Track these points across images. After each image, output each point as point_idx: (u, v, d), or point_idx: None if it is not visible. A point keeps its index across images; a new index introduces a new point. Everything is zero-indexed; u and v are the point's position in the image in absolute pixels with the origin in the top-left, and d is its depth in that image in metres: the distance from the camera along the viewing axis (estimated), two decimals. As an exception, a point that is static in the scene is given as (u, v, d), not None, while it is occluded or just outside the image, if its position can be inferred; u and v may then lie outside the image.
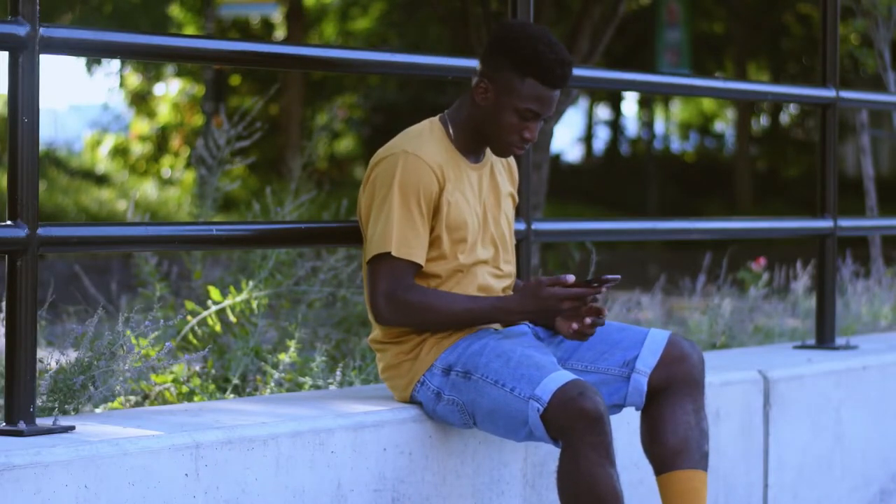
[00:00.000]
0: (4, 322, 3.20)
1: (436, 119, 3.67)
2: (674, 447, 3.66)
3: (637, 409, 3.73)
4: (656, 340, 3.70)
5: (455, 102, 3.69)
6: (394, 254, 3.49)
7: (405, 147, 3.56)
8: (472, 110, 3.62)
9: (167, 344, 3.72)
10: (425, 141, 3.58)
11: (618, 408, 3.71)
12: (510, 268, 3.76)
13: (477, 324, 3.57)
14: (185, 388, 4.36)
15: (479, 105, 3.59)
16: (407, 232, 3.50)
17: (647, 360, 3.67)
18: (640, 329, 3.74)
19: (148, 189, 19.51)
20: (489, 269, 3.67)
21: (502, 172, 3.78)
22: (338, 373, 4.36)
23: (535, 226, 4.31)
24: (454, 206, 3.57)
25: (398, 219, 3.50)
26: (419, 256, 3.52)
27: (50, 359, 3.59)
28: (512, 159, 3.86)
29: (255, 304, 4.80)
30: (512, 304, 3.56)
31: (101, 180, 20.12)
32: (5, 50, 3.16)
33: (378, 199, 3.53)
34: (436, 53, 4.03)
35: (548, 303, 3.51)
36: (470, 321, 3.56)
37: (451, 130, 3.63)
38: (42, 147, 16.11)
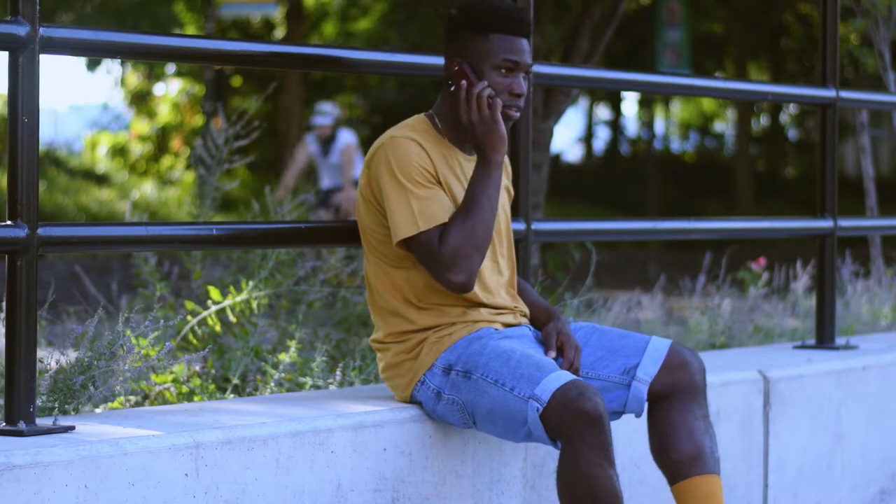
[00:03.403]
0: (4, 322, 3.20)
1: (421, 115, 3.69)
2: (689, 453, 3.66)
3: (637, 417, 3.73)
4: (658, 349, 3.69)
5: (437, 98, 3.70)
6: (422, 228, 3.50)
7: (391, 134, 3.60)
8: (453, 94, 3.62)
9: (167, 344, 3.72)
10: (409, 129, 3.63)
11: (617, 415, 3.71)
12: (507, 262, 3.75)
13: (489, 193, 3.52)
14: (185, 388, 4.36)
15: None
16: (423, 202, 3.51)
17: (648, 369, 3.67)
18: (641, 336, 3.74)
19: (148, 189, 19.51)
20: (487, 264, 3.67)
21: None
22: (338, 373, 4.36)
23: (535, 226, 4.31)
24: (450, 194, 3.58)
25: (411, 195, 3.51)
26: (444, 216, 3.52)
27: (50, 359, 3.59)
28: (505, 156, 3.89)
29: (255, 304, 4.80)
30: (480, 161, 3.54)
31: (101, 180, 20.12)
32: (5, 50, 3.16)
33: (386, 188, 3.55)
34: (436, 53, 4.02)
35: (481, 116, 3.53)
36: (485, 201, 3.51)
37: (438, 124, 3.65)
38: (42, 147, 16.13)
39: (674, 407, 3.68)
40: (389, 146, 3.56)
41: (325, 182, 12.24)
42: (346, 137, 12.34)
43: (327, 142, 12.15)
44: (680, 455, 3.66)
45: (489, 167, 3.55)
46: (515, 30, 3.59)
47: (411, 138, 3.57)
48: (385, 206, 3.55)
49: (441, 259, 3.48)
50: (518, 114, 3.62)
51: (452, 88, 3.59)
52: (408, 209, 3.50)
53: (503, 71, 3.59)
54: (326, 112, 12.45)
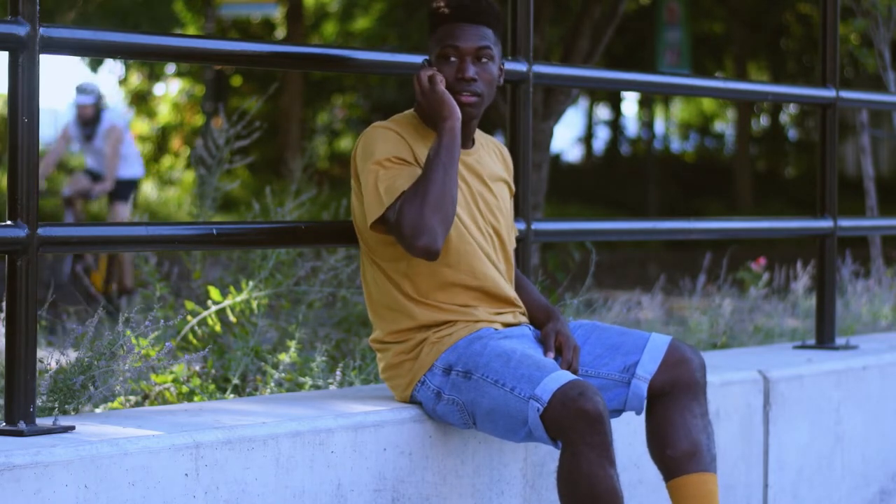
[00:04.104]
0: (4, 322, 3.20)
1: (410, 111, 3.73)
2: (686, 450, 3.66)
3: (637, 414, 3.73)
4: (657, 346, 3.69)
5: None
6: (387, 204, 3.51)
7: (373, 125, 3.65)
8: None
9: (167, 344, 3.72)
10: (392, 121, 3.67)
11: (617, 412, 3.71)
12: (503, 257, 3.75)
13: (441, 158, 3.51)
14: (185, 388, 4.36)
15: None
16: (389, 181, 3.53)
17: (648, 367, 3.67)
18: (641, 333, 3.74)
19: (148, 189, 19.51)
20: (483, 254, 3.67)
21: (495, 160, 3.81)
22: (338, 373, 4.36)
23: (535, 226, 4.31)
24: None
25: (378, 177, 3.54)
26: (407, 186, 3.53)
27: (50, 359, 3.59)
28: (506, 151, 3.91)
29: (255, 304, 4.80)
30: (439, 134, 3.55)
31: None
32: (5, 50, 3.16)
33: (360, 174, 3.59)
34: (436, 53, 4.02)
35: (423, 90, 3.57)
36: (438, 166, 3.50)
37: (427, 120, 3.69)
38: (42, 147, 16.09)
39: (672, 404, 3.69)
40: (366, 135, 3.62)
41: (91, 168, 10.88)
42: (112, 118, 10.95)
43: (90, 124, 10.68)
44: (676, 452, 3.67)
45: (441, 135, 3.55)
46: (456, 17, 3.64)
47: (388, 127, 3.62)
48: (359, 190, 3.60)
49: (401, 227, 3.48)
50: (472, 98, 3.63)
51: None
52: (375, 191, 3.53)
53: (450, 59, 3.63)
54: (88, 90, 10.82)
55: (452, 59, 3.62)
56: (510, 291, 3.73)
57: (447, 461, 3.63)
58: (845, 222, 5.39)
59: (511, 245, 3.81)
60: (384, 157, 3.55)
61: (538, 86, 4.71)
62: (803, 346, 5.24)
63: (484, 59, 3.64)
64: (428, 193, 3.48)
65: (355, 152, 3.63)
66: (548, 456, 3.85)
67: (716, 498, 3.66)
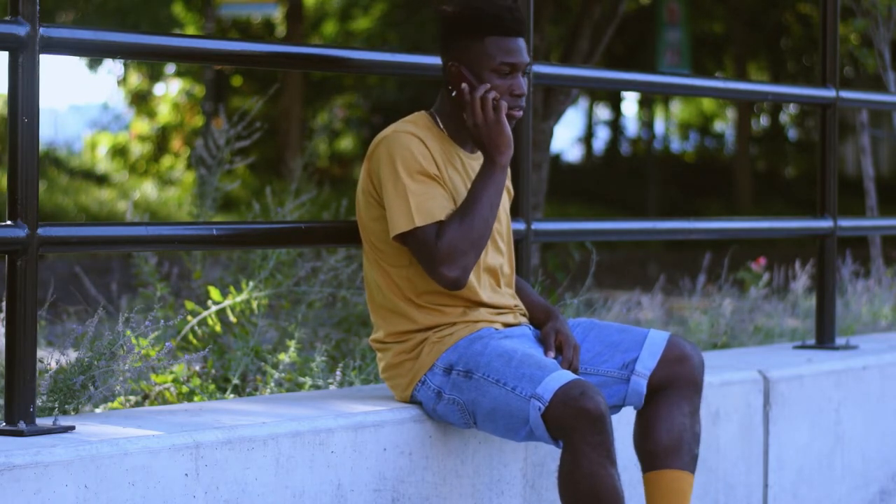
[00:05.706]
0: (4, 322, 3.20)
1: (422, 112, 3.70)
2: (666, 446, 3.67)
3: (636, 410, 3.74)
4: (656, 342, 3.70)
5: (437, 99, 3.71)
6: (418, 224, 3.50)
7: (395, 128, 3.61)
8: (454, 98, 3.63)
9: (167, 344, 3.72)
10: (411, 124, 3.63)
11: (617, 408, 3.72)
12: (507, 261, 3.75)
13: (490, 194, 3.53)
14: (185, 388, 4.36)
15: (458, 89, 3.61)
16: (421, 197, 3.51)
17: (647, 363, 3.67)
18: (639, 330, 3.74)
19: (148, 189, 19.51)
20: (489, 264, 3.67)
21: None
22: (338, 373, 4.36)
23: (535, 226, 4.31)
24: (452, 189, 3.59)
25: (409, 190, 3.51)
26: (441, 213, 3.52)
27: (50, 359, 3.59)
28: None
29: (255, 304, 4.80)
30: (485, 162, 3.56)
31: (101, 180, 20.13)
32: (5, 50, 3.16)
33: (385, 181, 3.55)
34: (436, 53, 4.02)
35: (486, 119, 3.55)
36: (486, 201, 3.52)
37: (439, 122, 3.66)
38: (42, 147, 16.11)
39: (664, 399, 3.69)
40: (391, 140, 3.57)
41: None
42: None
43: None
44: (657, 446, 3.67)
45: (493, 169, 3.56)
46: (510, 30, 3.59)
47: (413, 133, 3.58)
48: (384, 199, 3.56)
49: (437, 254, 3.48)
50: (520, 113, 3.63)
51: (454, 93, 3.60)
52: (405, 204, 3.51)
53: (505, 73, 3.59)
54: None
55: (507, 73, 3.60)
56: (510, 300, 3.73)
57: (447, 461, 3.63)
58: (845, 222, 5.39)
59: (513, 248, 3.82)
60: (415, 170, 3.53)
61: (538, 86, 4.71)
62: (803, 346, 5.24)
63: (525, 73, 3.66)
64: (473, 230, 3.50)
65: (373, 154, 3.59)
66: (548, 456, 3.85)
67: (687, 498, 3.66)
